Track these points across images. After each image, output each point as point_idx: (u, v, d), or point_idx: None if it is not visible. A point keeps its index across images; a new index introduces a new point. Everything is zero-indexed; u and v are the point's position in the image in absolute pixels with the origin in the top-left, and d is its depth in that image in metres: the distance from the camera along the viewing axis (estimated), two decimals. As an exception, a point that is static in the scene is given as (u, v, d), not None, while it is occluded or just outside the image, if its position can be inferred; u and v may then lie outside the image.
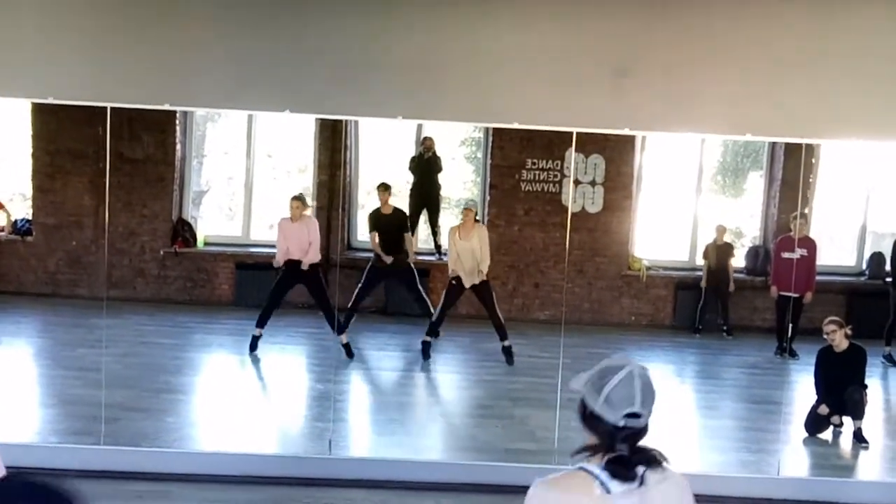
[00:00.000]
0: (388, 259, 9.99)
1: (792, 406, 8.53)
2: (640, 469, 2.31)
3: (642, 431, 2.35)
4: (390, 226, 10.09)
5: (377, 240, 10.07)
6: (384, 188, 10.20)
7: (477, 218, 9.70)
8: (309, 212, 9.56)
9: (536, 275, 11.86)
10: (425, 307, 10.35)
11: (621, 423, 2.30)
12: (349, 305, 9.96)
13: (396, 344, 10.43)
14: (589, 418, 2.36)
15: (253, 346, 9.38)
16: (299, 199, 9.51)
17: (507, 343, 9.47)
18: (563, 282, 11.41)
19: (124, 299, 11.46)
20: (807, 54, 5.99)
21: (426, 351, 9.53)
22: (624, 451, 2.30)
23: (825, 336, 7.67)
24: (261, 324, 9.40)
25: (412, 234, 11.56)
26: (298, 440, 7.17)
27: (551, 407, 6.96)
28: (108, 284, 11.37)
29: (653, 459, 2.33)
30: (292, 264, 9.24)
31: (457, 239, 9.39)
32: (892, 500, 6.35)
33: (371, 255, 10.71)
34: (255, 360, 9.37)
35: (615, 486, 2.28)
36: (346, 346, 9.32)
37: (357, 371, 9.34)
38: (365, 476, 6.18)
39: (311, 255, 9.23)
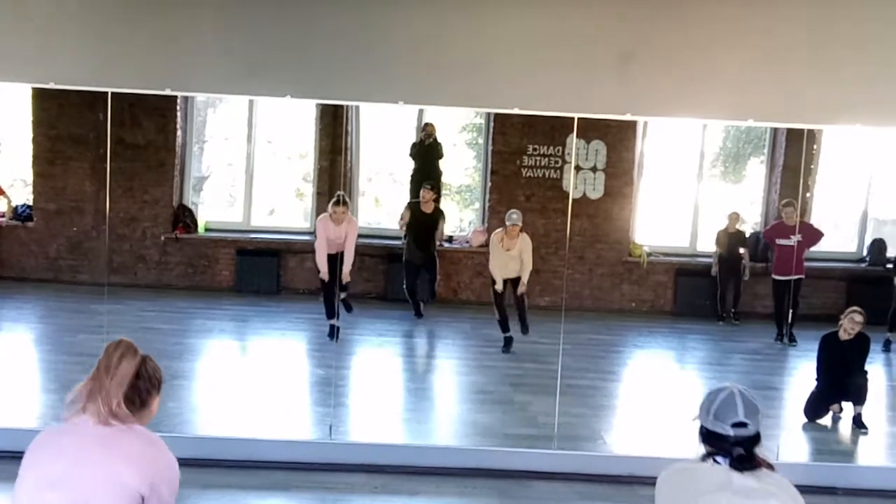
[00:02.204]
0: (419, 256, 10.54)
1: (791, 391, 8.55)
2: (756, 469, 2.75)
3: (754, 438, 2.78)
4: (428, 223, 10.51)
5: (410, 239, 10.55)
6: (431, 188, 10.58)
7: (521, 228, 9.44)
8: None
9: (537, 261, 11.73)
10: (432, 291, 10.72)
11: (731, 433, 2.75)
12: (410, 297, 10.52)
13: (397, 330, 10.44)
14: (707, 436, 2.83)
15: (332, 334, 9.31)
16: (344, 203, 9.33)
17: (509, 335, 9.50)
18: (563, 268, 11.41)
19: (125, 285, 11.47)
20: (810, 39, 5.97)
21: (508, 347, 9.47)
22: (741, 453, 2.74)
23: (848, 322, 7.59)
24: (331, 315, 9.38)
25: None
26: (299, 425, 7.19)
27: (552, 393, 6.98)
28: (109, 270, 11.38)
29: (767, 464, 2.80)
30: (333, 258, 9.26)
31: (500, 248, 9.31)
32: (890, 484, 6.36)
33: (372, 240, 10.81)
34: (257, 346, 9.38)
35: (734, 472, 2.72)
36: (334, 329, 9.27)
37: (358, 357, 9.35)
38: (365, 461, 6.20)
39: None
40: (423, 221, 10.55)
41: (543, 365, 8.56)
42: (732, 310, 11.51)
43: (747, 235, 11.84)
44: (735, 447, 2.75)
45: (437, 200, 10.91)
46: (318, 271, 9.35)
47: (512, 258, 9.31)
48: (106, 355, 2.82)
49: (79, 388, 2.83)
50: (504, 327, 9.49)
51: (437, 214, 10.69)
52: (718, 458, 2.77)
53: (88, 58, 6.02)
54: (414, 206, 10.66)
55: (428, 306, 10.71)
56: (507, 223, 9.27)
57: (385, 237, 11.95)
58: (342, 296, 9.45)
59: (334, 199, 9.33)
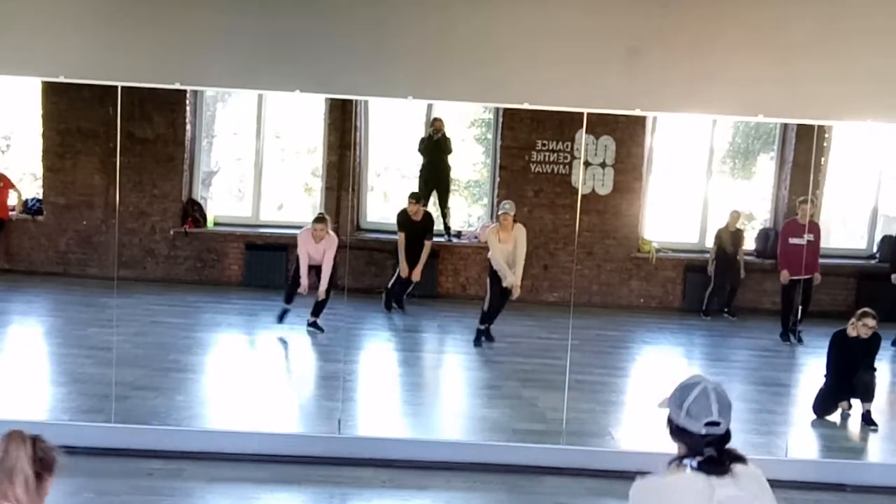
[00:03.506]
0: (406, 271, 10.51)
1: (800, 388, 8.53)
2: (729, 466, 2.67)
3: (725, 437, 2.70)
4: (417, 230, 10.55)
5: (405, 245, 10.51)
6: (415, 199, 10.61)
7: (515, 218, 9.29)
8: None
9: (546, 256, 11.84)
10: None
11: (703, 432, 2.67)
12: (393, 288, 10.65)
13: (405, 325, 10.45)
14: (676, 431, 2.77)
15: (281, 317, 9.53)
16: (323, 221, 9.44)
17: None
18: (572, 263, 11.40)
19: (134, 279, 11.49)
20: (820, 35, 5.95)
21: (480, 342, 9.43)
22: (713, 454, 2.65)
23: (861, 326, 7.54)
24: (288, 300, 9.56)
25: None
26: (308, 419, 7.21)
27: (560, 388, 6.97)
28: (119, 264, 11.40)
29: (738, 458, 2.69)
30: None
31: (497, 243, 9.15)
32: (900, 482, 6.34)
33: (381, 235, 10.79)
34: (266, 340, 9.39)
35: (712, 479, 2.63)
36: (315, 324, 9.44)
37: (366, 351, 9.36)
38: (374, 455, 6.21)
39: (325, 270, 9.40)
40: (413, 230, 10.55)
41: (552, 360, 8.55)
42: (725, 309, 11.48)
43: (757, 232, 11.79)
44: (707, 447, 2.66)
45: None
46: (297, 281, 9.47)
47: (510, 252, 9.14)
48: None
49: None
50: (489, 318, 9.43)
51: (427, 220, 10.70)
52: (691, 463, 2.67)
53: (98, 51, 6.03)
54: (403, 216, 10.64)
55: (436, 301, 10.70)
56: (500, 212, 9.18)
57: (393, 232, 11.92)
58: (311, 320, 9.45)
59: (315, 217, 9.48)
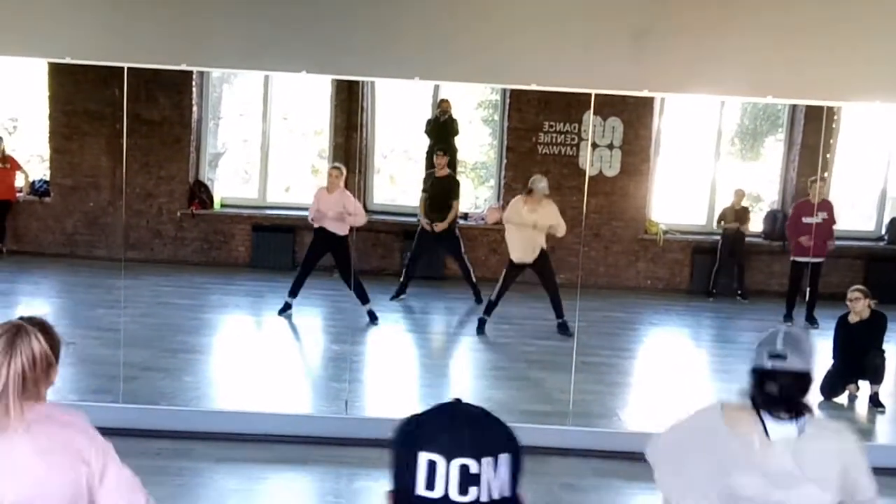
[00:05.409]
0: (426, 222, 10.15)
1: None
2: (799, 417, 2.50)
3: (797, 378, 2.52)
4: (441, 189, 10.20)
5: (425, 202, 10.28)
6: (444, 153, 10.36)
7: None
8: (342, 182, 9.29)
9: (552, 238, 11.79)
10: (467, 273, 10.43)
11: (769, 365, 2.52)
12: (404, 274, 10.35)
13: (412, 306, 10.45)
14: (750, 374, 2.63)
15: (283, 310, 9.34)
16: (338, 168, 9.28)
17: (561, 320, 9.08)
18: (579, 245, 11.38)
19: (142, 260, 11.52)
20: (830, 14, 5.89)
21: (482, 327, 9.17)
22: (774, 392, 2.49)
23: (848, 303, 7.58)
24: (293, 294, 9.34)
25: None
26: (315, 400, 7.23)
27: (566, 370, 6.97)
28: (126, 245, 11.43)
29: (808, 409, 2.51)
30: (324, 233, 9.18)
31: (524, 211, 8.92)
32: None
33: (387, 217, 10.77)
34: (273, 322, 9.41)
35: (773, 424, 2.49)
36: (371, 313, 9.24)
37: (373, 332, 9.37)
38: (381, 436, 6.19)
39: (357, 220, 9.09)
40: (437, 187, 10.26)
41: (558, 342, 8.57)
42: (738, 290, 11.42)
43: (765, 214, 11.74)
44: (770, 383, 2.50)
45: (451, 167, 10.79)
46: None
47: (531, 223, 8.90)
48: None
49: None
50: (489, 308, 9.18)
51: (452, 180, 10.46)
52: (753, 405, 2.54)
53: (105, 33, 6.02)
54: (428, 175, 10.54)
55: (443, 283, 10.70)
56: (535, 195, 8.90)
57: (400, 214, 11.94)
58: (367, 308, 9.21)
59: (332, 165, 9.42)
